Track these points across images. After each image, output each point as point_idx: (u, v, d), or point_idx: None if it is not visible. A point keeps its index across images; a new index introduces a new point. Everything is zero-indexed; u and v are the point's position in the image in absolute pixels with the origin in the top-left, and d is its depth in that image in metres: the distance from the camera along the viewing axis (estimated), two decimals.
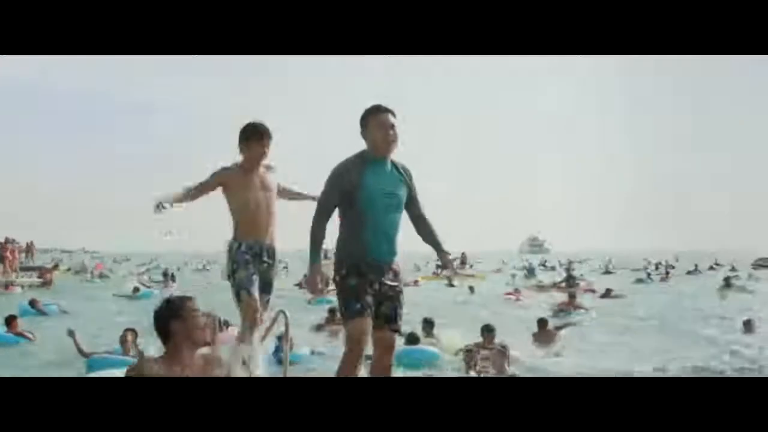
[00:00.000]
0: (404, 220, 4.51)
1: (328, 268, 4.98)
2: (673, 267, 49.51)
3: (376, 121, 4.29)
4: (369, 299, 4.24)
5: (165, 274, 33.29)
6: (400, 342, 4.45)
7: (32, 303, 17.60)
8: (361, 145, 4.40)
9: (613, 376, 8.92)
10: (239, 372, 4.50)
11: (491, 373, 8.98)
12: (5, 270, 30.35)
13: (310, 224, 4.36)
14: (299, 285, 20.32)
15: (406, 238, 4.55)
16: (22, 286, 27.73)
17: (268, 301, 5.31)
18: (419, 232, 4.64)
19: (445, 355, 10.41)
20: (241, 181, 5.08)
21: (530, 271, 42.15)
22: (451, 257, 4.77)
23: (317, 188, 4.50)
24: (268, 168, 5.27)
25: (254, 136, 5.10)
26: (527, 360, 10.54)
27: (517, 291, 23.84)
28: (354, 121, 4.39)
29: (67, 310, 18.30)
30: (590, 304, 20.10)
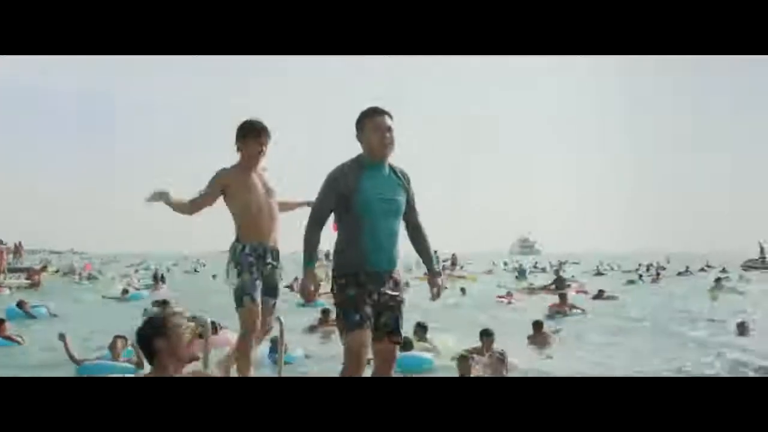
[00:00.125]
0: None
1: (320, 269, 4.94)
2: (664, 268, 49.72)
3: (372, 124, 4.19)
4: (368, 310, 4.11)
5: (155, 276, 33.17)
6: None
7: (20, 305, 17.37)
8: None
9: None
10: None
11: None
12: None
13: (304, 230, 4.26)
14: (290, 287, 20.25)
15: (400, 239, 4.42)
16: (10, 288, 27.40)
17: (274, 305, 5.21)
18: (413, 242, 4.50)
19: (440, 360, 10.28)
20: (242, 182, 4.98)
21: (521, 273, 42.20)
22: (439, 281, 4.52)
23: (316, 190, 4.36)
24: (264, 170, 5.17)
25: (251, 133, 5.01)
26: (525, 365, 10.46)
27: (509, 294, 23.63)
28: (353, 122, 4.29)
29: (56, 313, 18.11)
30: (582, 305, 20.15)
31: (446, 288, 4.45)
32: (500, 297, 23.18)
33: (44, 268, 41.97)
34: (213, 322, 12.27)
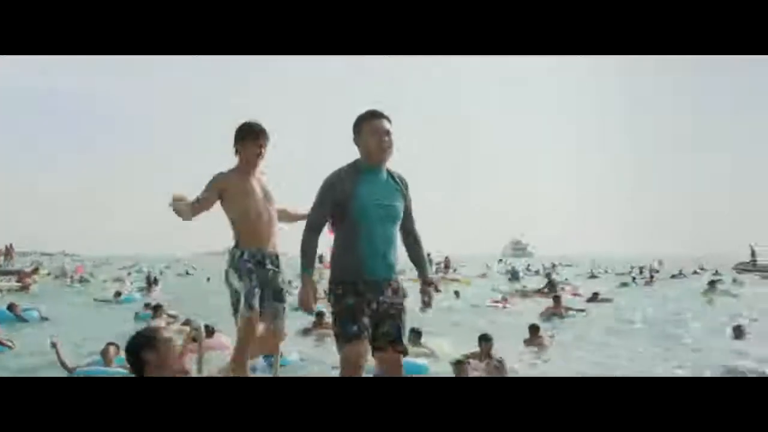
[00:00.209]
0: None
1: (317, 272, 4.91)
2: (657, 271, 49.88)
3: (369, 127, 4.10)
4: (366, 320, 4.01)
5: (148, 279, 33.06)
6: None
7: (11, 307, 17.18)
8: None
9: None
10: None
11: None
12: None
13: (301, 238, 4.15)
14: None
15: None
16: (0, 291, 27.22)
17: (284, 310, 5.13)
18: (407, 249, 4.41)
19: (436, 366, 10.22)
20: (240, 187, 4.90)
21: (514, 275, 42.24)
22: (431, 290, 4.42)
23: (315, 192, 4.24)
24: (262, 173, 5.10)
25: (250, 136, 4.95)
26: (525, 370, 10.37)
27: (504, 299, 23.18)
28: (353, 123, 4.20)
29: (47, 317, 17.90)
30: (578, 307, 20.19)
31: (440, 291, 4.37)
32: (495, 302, 22.78)
33: (36, 271, 41.80)
34: (207, 326, 12.31)
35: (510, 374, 9.16)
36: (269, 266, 4.97)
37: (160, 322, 15.06)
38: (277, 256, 5.07)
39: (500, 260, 66.68)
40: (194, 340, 6.34)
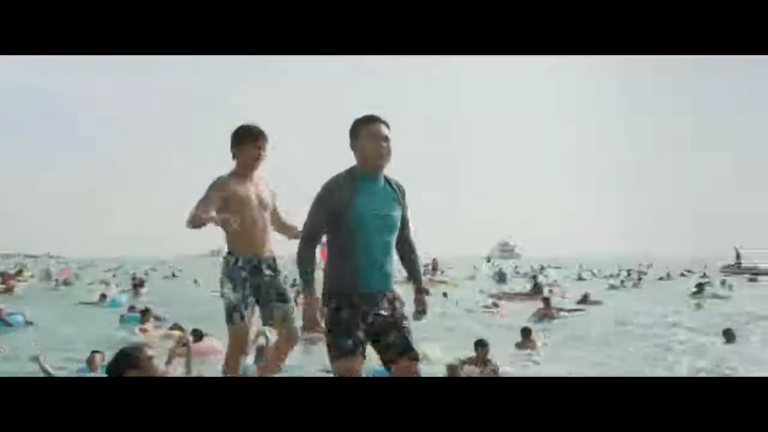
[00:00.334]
0: None
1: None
2: (645, 273, 50.16)
3: (367, 132, 3.91)
4: (361, 334, 3.87)
5: (135, 282, 32.87)
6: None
7: None
8: None
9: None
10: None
11: None
12: None
13: (297, 251, 3.96)
14: None
15: None
16: None
17: (291, 310, 4.98)
18: (401, 257, 4.25)
19: (428, 369, 10.20)
20: (238, 193, 4.78)
21: (501, 277, 42.35)
22: (425, 299, 4.27)
23: (315, 193, 4.05)
24: (259, 178, 4.99)
25: (248, 138, 4.84)
26: (519, 374, 10.42)
27: (495, 305, 22.66)
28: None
29: (32, 321, 17.77)
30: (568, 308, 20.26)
31: (429, 294, 4.25)
32: (486, 307, 22.42)
33: (20, 273, 41.55)
34: (196, 330, 12.26)
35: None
36: (266, 271, 4.88)
37: (148, 326, 15.02)
38: (274, 260, 4.97)
39: (488, 259, 66.70)
40: (184, 344, 6.32)
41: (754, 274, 49.17)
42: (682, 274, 50.60)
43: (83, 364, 9.62)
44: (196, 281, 41.91)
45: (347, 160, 4.01)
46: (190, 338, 8.34)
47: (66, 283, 38.97)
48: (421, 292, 4.28)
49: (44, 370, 9.35)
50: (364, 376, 3.97)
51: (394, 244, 4.04)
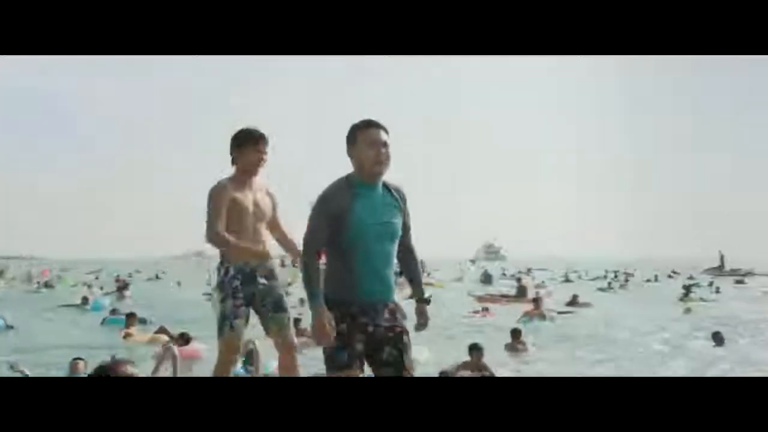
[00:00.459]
0: None
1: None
2: (632, 275, 50.43)
3: (365, 138, 3.74)
4: (360, 347, 3.70)
5: (118, 285, 32.62)
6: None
7: None
8: None
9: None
10: None
11: None
12: None
13: (301, 262, 3.84)
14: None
15: None
16: None
17: (289, 320, 4.90)
18: (402, 265, 4.10)
19: (418, 373, 10.15)
20: (236, 200, 4.66)
21: (487, 279, 42.43)
22: (427, 309, 4.13)
23: (315, 194, 3.93)
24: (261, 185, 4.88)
25: (249, 141, 4.71)
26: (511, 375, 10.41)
27: (485, 309, 22.43)
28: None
29: (12, 325, 17.52)
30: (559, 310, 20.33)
31: (429, 303, 4.09)
32: (474, 312, 22.12)
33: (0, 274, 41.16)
34: (184, 334, 12.22)
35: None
36: (261, 279, 4.76)
37: (133, 331, 14.90)
38: (271, 270, 4.86)
39: (473, 261, 66.81)
40: (167, 349, 6.29)
41: (741, 275, 49.63)
42: (670, 276, 50.90)
43: (64, 371, 9.39)
44: (179, 283, 41.83)
45: (347, 161, 3.88)
46: (175, 348, 8.27)
47: (47, 285, 38.58)
48: (422, 302, 4.12)
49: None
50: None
51: (395, 252, 3.90)
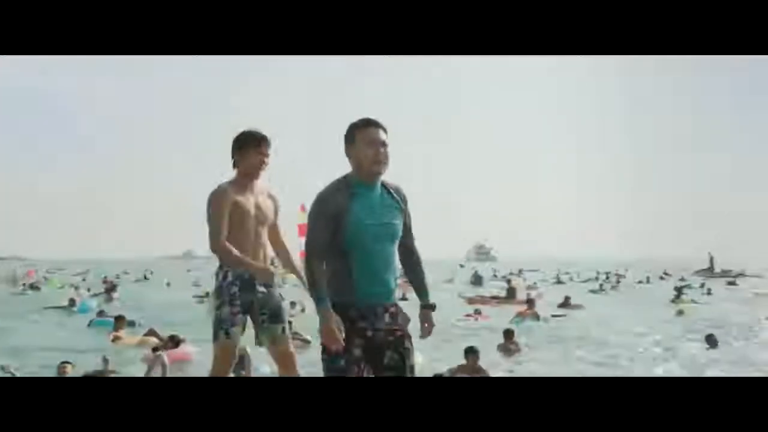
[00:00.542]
0: None
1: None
2: (624, 276, 50.57)
3: (363, 137, 3.62)
4: (357, 352, 3.57)
5: (106, 286, 32.40)
6: None
7: None
8: None
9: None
10: None
11: None
12: None
13: (304, 267, 3.71)
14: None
15: None
16: None
17: (284, 330, 4.75)
18: (404, 268, 3.98)
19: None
20: (236, 204, 4.56)
21: (477, 280, 42.43)
22: (432, 315, 3.94)
23: (314, 194, 3.80)
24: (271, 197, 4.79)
25: (251, 143, 4.59)
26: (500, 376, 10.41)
27: (477, 312, 21.90)
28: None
29: None
30: (554, 313, 20.36)
31: (434, 309, 3.93)
32: (467, 316, 21.60)
33: None
34: (174, 336, 12.18)
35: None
36: (260, 287, 4.65)
37: (122, 334, 14.81)
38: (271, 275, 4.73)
39: (462, 265, 66.79)
40: (155, 350, 6.26)
41: (732, 276, 49.85)
42: (661, 277, 51.06)
43: (51, 374, 9.19)
44: (168, 284, 41.72)
45: (348, 161, 3.77)
46: (164, 356, 8.24)
47: (33, 287, 38.06)
48: (427, 307, 3.95)
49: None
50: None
51: (395, 254, 3.79)
